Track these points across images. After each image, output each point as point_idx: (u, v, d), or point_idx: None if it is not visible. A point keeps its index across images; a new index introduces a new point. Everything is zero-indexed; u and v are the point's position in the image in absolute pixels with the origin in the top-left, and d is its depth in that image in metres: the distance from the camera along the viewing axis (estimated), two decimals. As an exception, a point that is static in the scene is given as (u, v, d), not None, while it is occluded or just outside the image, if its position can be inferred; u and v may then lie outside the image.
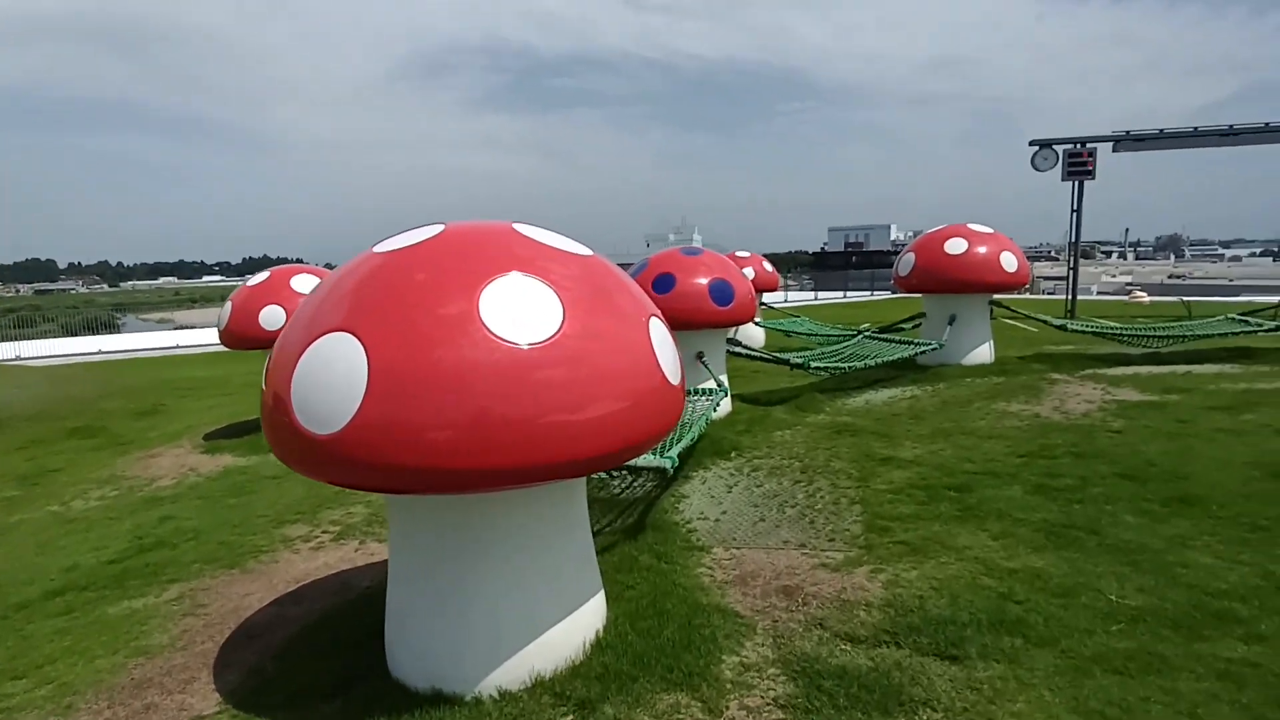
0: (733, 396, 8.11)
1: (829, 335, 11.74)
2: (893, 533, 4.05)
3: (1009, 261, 8.95)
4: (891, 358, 8.41)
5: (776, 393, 8.39)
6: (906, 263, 9.55)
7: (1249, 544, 3.57)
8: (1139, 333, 9.06)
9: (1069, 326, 8.95)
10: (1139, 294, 25.30)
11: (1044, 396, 7.26)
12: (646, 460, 3.88)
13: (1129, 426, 5.83)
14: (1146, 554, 3.53)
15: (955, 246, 9.11)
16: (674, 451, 4.16)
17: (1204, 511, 4.00)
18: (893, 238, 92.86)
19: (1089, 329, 9.12)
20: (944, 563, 3.64)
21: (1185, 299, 17.69)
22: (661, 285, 6.77)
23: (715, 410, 5.94)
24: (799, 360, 7.55)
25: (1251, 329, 8.67)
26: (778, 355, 7.87)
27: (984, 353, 9.37)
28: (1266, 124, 16.30)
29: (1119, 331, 9.13)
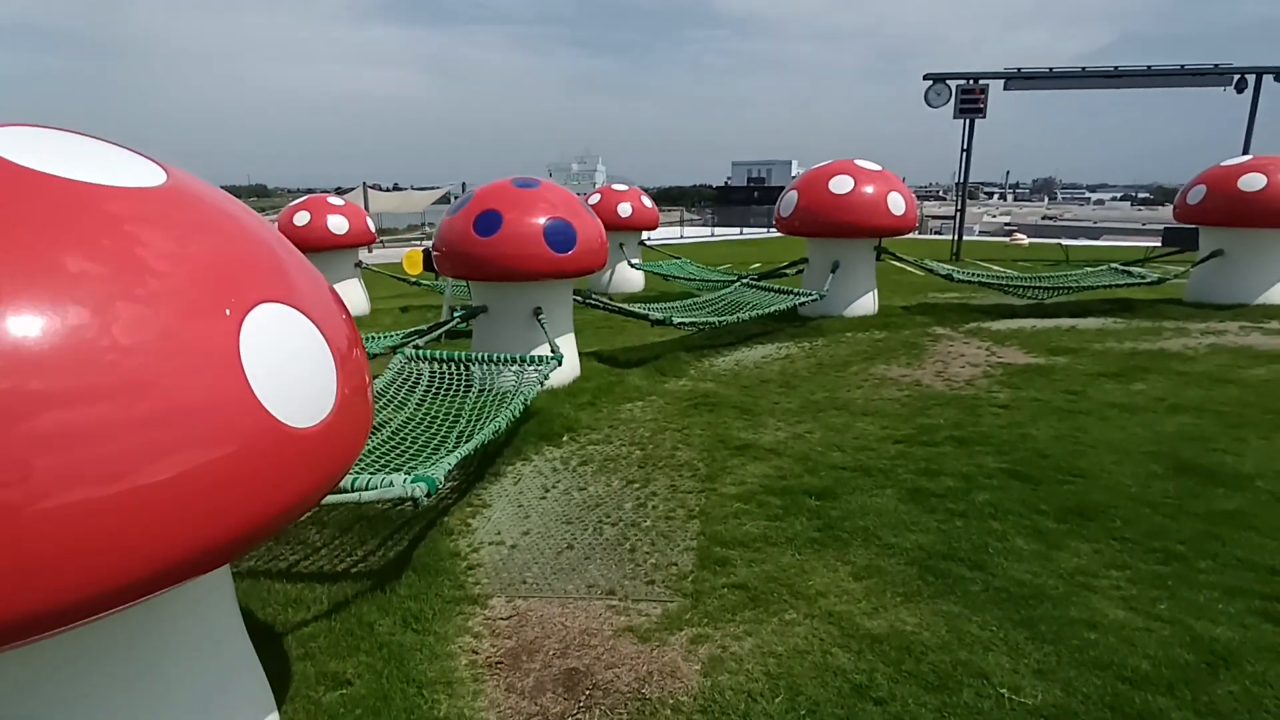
0: (586, 357, 6.99)
1: (709, 280, 10.76)
2: (731, 568, 3.07)
3: (896, 203, 8.12)
4: (767, 310, 7.49)
5: (638, 351, 7.32)
6: (789, 202, 8.57)
7: (1164, 584, 2.80)
8: (1024, 284, 8.53)
9: (955, 276, 8.31)
10: (1019, 236, 25.86)
11: (926, 358, 6.53)
12: (380, 492, 2.67)
13: (1016, 399, 5.12)
14: (1044, 604, 2.69)
15: (840, 185, 8.18)
16: (438, 469, 2.97)
17: (1106, 529, 3.23)
18: (794, 174, 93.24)
19: (975, 279, 8.51)
20: (789, 622, 2.68)
21: (1063, 242, 17.87)
22: (484, 225, 5.45)
23: (543, 384, 4.79)
24: (659, 315, 6.48)
25: (1134, 281, 8.28)
26: (635, 308, 6.76)
27: (867, 303, 8.62)
28: (1149, 67, 16.26)
29: (1004, 283, 8.56)
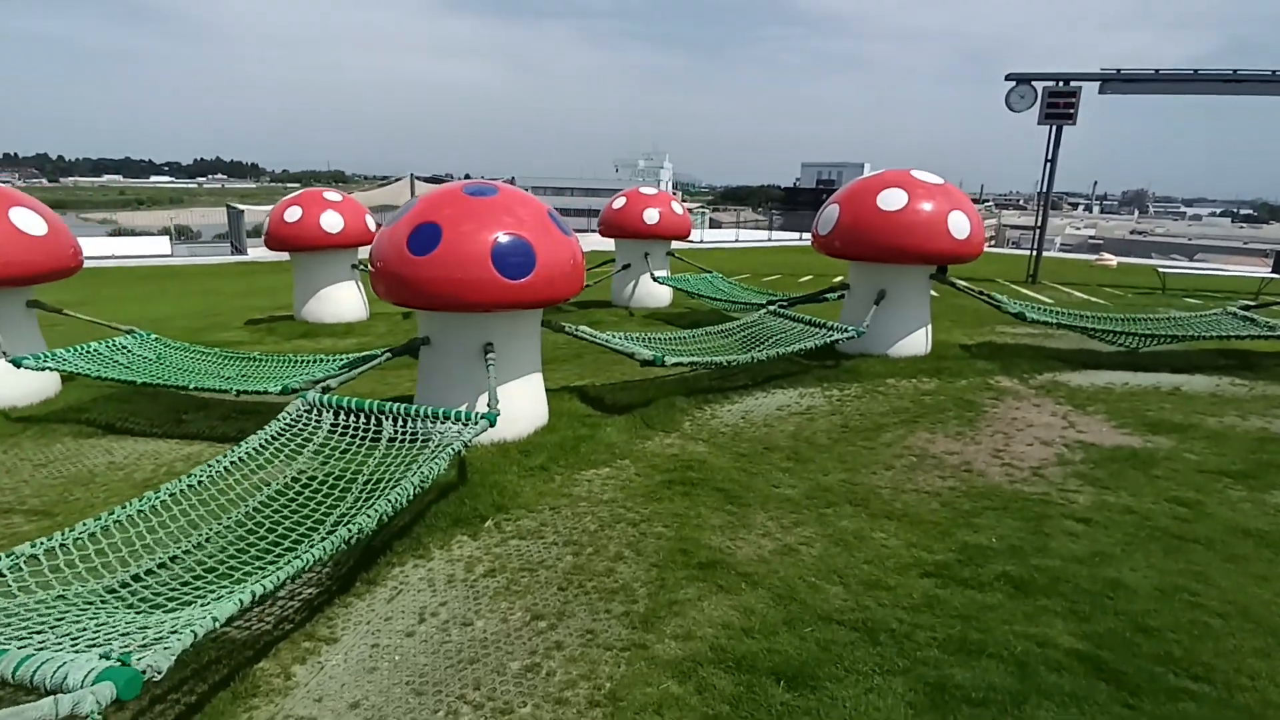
0: (564, 395, 5.88)
1: (736, 302, 9.50)
2: (616, 838, 1.90)
3: (959, 225, 6.71)
4: (791, 349, 6.21)
5: (628, 390, 6.15)
6: (828, 217, 7.24)
7: None
8: (1116, 329, 6.98)
9: (1027, 315, 6.83)
10: (1107, 258, 23.49)
11: (983, 425, 5.16)
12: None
13: (1101, 508, 3.75)
14: None
15: (892, 200, 6.81)
16: (156, 657, 1.87)
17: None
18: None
19: (1053, 320, 7.02)
20: None
21: (1160, 268, 15.80)
22: (420, 241, 4.37)
23: (463, 449, 3.69)
24: (647, 354, 5.30)
25: (1261, 333, 6.64)
26: (619, 343, 5.59)
27: (918, 341, 7.22)
28: (1274, 71, 14.10)
29: (1089, 327, 7.03)
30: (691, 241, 32.38)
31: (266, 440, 3.85)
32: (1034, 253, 16.21)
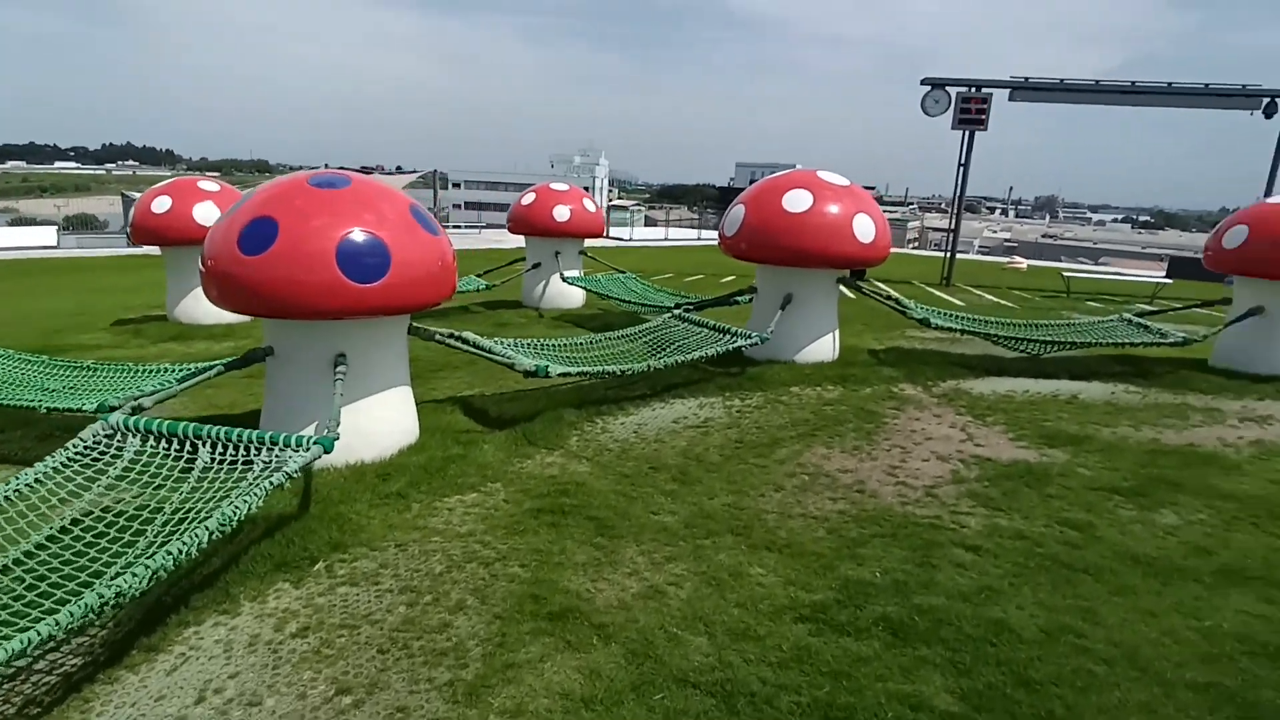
0: (445, 407, 5.40)
1: (647, 305, 9.16)
2: None
3: (864, 228, 6.51)
4: (694, 356, 5.88)
5: (518, 401, 5.71)
6: (734, 218, 6.96)
7: None
8: (1017, 336, 6.94)
9: (932, 322, 6.71)
10: (1017, 261, 24.34)
11: (882, 439, 4.93)
12: None
13: (992, 535, 3.52)
14: None
15: (796, 201, 6.57)
16: None
17: None
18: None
19: (957, 326, 6.92)
20: None
21: (1064, 272, 16.31)
22: (253, 239, 3.82)
23: (286, 482, 3.18)
24: (530, 364, 4.86)
25: (1153, 340, 6.70)
26: (502, 352, 5.13)
27: (825, 347, 7.01)
28: (1170, 84, 14.70)
29: (993, 334, 6.96)
30: (621, 239, 32.12)
31: (51, 470, 3.26)
32: (948, 255, 16.49)
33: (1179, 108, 15.03)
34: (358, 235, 3.91)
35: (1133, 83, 14.92)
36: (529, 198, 10.48)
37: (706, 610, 2.87)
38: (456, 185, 76.38)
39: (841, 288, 7.09)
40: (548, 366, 4.86)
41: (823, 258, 6.49)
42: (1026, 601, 2.92)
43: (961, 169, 15.82)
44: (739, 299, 7.91)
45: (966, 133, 15.62)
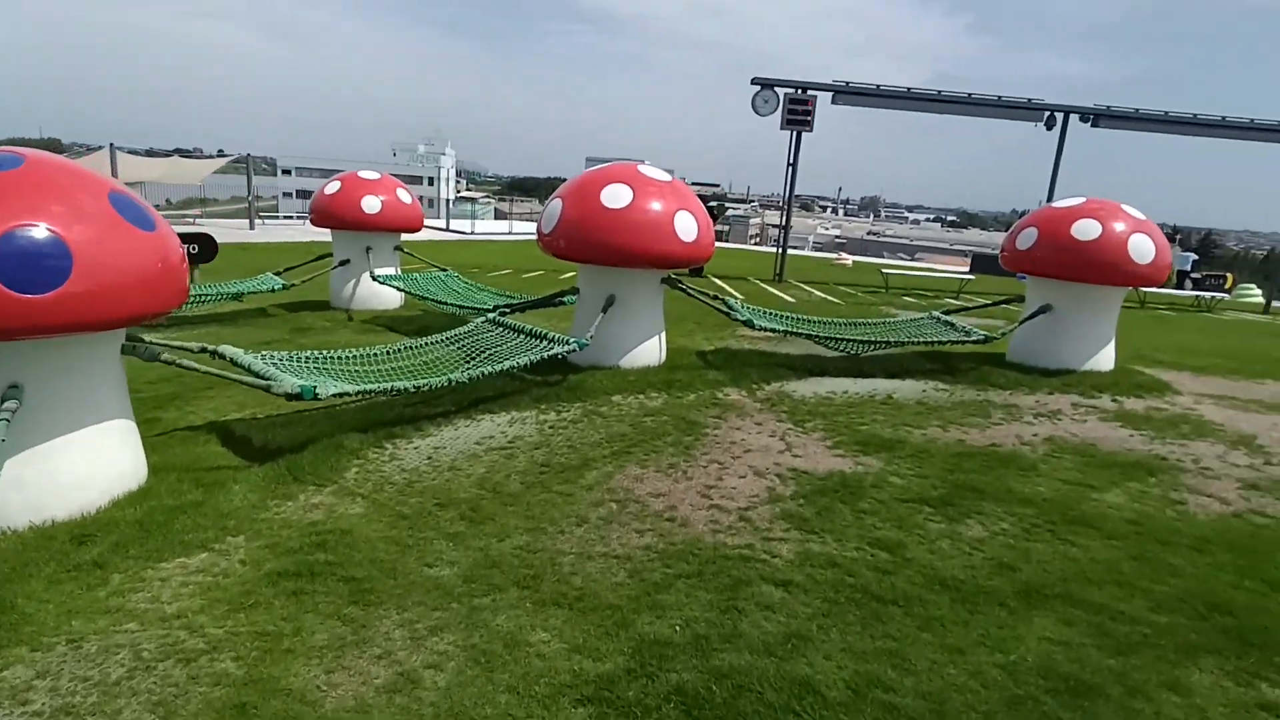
0: (199, 436, 4.47)
1: (465, 307, 8.43)
2: None
3: (686, 226, 6.21)
4: (505, 366, 5.29)
5: (293, 423, 4.87)
6: (551, 214, 6.44)
7: None
8: (837, 336, 6.95)
9: (755, 323, 6.57)
10: (844, 258, 25.77)
11: (700, 452, 4.62)
12: None
13: (802, 570, 3.22)
14: None
15: (616, 197, 6.15)
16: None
17: None
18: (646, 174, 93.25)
19: (780, 327, 6.82)
20: None
21: (883, 269, 17.28)
22: None
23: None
24: (291, 388, 4.07)
25: (958, 339, 6.94)
26: (264, 368, 4.29)
27: (651, 351, 6.68)
28: (969, 95, 15.90)
29: (814, 334, 6.94)
30: (463, 233, 30.68)
31: None
32: (779, 252, 16.96)
33: (977, 116, 16.33)
34: (26, 231, 2.98)
35: (939, 92, 16.01)
36: (333, 186, 9.38)
37: (467, 703, 2.33)
38: (287, 172, 69.79)
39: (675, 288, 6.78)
40: (314, 388, 4.09)
41: (644, 257, 6.12)
42: (835, 649, 2.63)
43: (790, 169, 16.30)
44: (564, 300, 7.41)
45: (794, 133, 16.09)
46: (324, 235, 11.59)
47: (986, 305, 8.90)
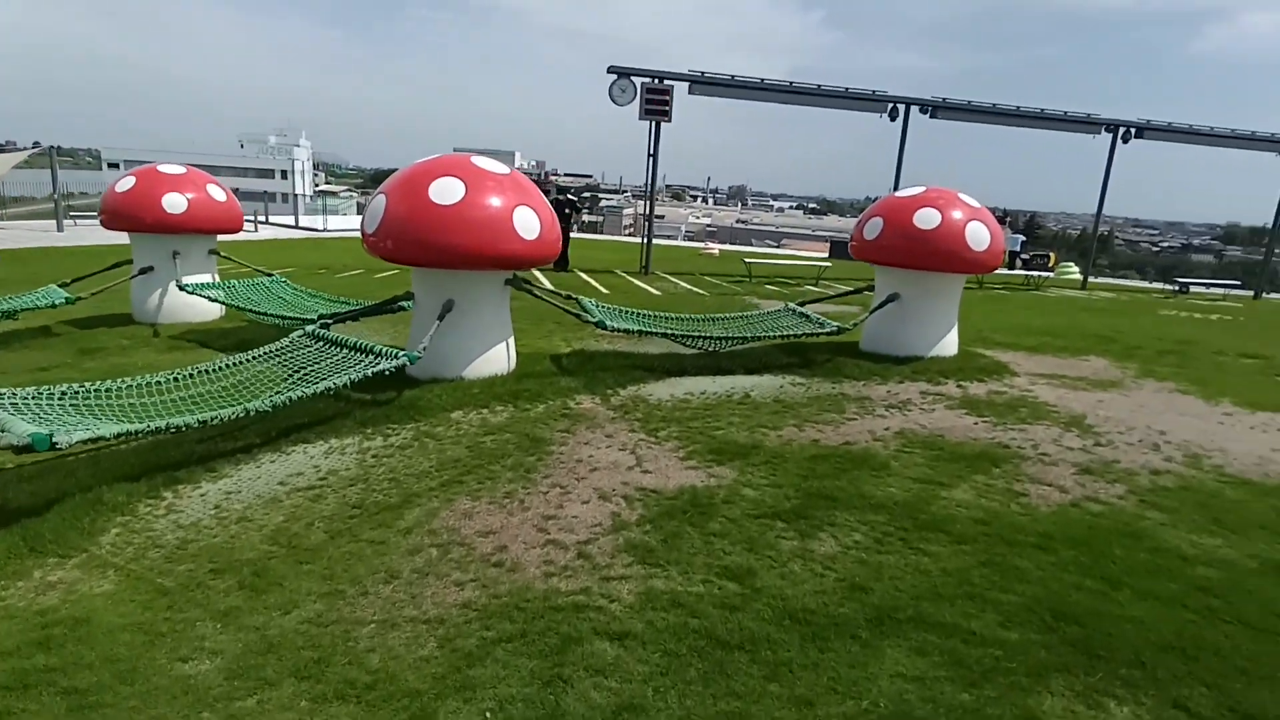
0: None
1: (290, 318, 7.54)
2: None
3: (527, 223, 5.72)
4: (314, 391, 4.61)
5: (50, 473, 3.99)
6: (375, 211, 5.75)
7: None
8: (693, 333, 6.71)
9: (608, 324, 6.20)
10: (711, 247, 26.11)
11: (542, 475, 4.18)
12: None
13: (642, 617, 2.85)
14: None
15: (446, 192, 5.57)
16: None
17: None
18: (517, 164, 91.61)
19: (635, 328, 6.49)
20: None
21: (745, 259, 17.49)
22: None
23: None
24: (20, 438, 3.26)
25: (813, 330, 6.88)
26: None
27: (499, 358, 6.15)
28: (819, 86, 16.30)
29: (670, 333, 6.66)
30: (314, 230, 28.49)
31: None
32: (644, 243, 16.77)
33: (827, 108, 16.79)
34: None
35: (790, 83, 16.32)
36: (126, 183, 8.14)
37: None
38: (114, 165, 61.99)
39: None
40: (50, 437, 3.30)
41: (480, 258, 5.58)
42: (673, 718, 2.27)
43: (651, 159, 16.11)
44: (403, 305, 6.73)
45: (653, 124, 15.90)
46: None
47: (846, 294, 9.00)
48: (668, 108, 15.59)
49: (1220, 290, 20.81)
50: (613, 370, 6.51)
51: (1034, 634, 2.73)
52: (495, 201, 5.65)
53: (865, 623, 2.78)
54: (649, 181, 16.64)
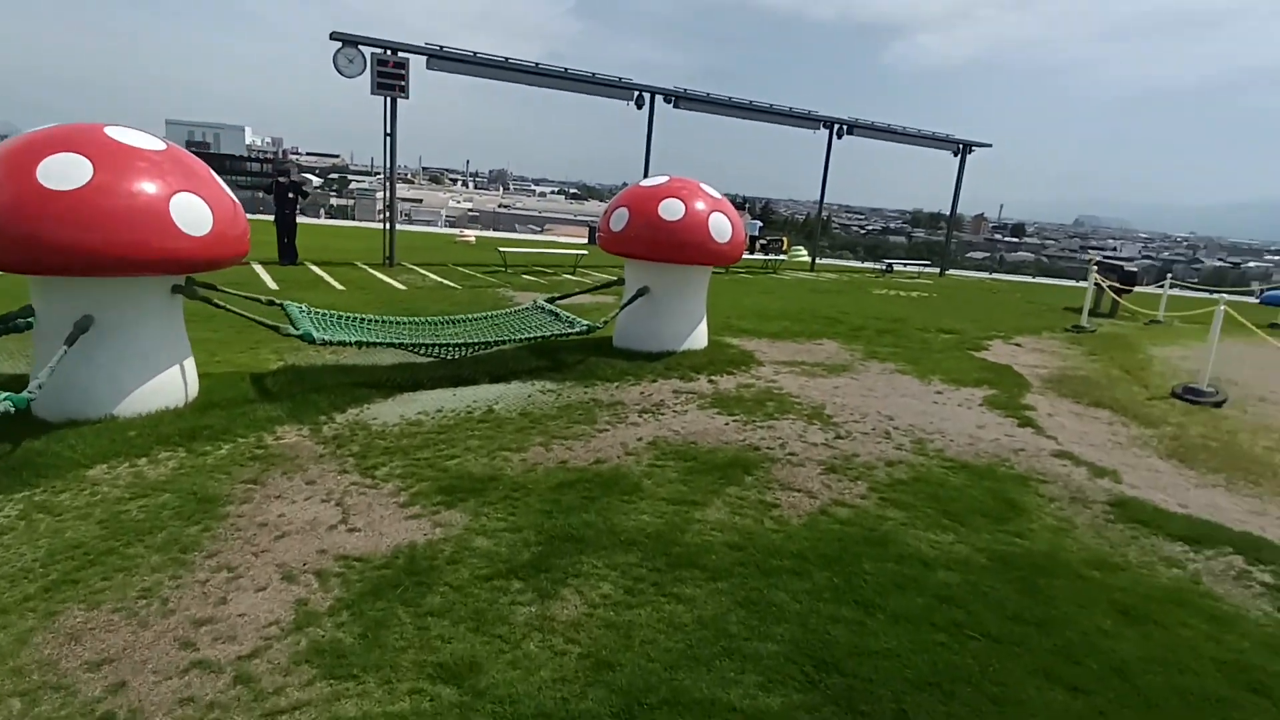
0: None
1: None
2: None
3: (192, 215, 4.48)
4: None
5: None
6: (-52, 200, 4.13)
7: None
8: (426, 341, 5.86)
9: (316, 338, 5.15)
10: (466, 234, 24.83)
11: (203, 558, 3.15)
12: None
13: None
14: None
15: (67, 175, 4.14)
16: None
17: None
18: (248, 141, 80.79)
19: (350, 339, 5.47)
20: None
21: (499, 248, 16.67)
22: None
23: None
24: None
25: (561, 331, 6.36)
26: None
27: (173, 386, 4.82)
28: (566, 70, 15.91)
29: (397, 340, 5.74)
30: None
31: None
32: (386, 229, 15.22)
33: (575, 92, 16.45)
34: None
35: (536, 64, 15.70)
36: None
37: None
38: None
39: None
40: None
41: (120, 261, 4.25)
42: None
43: (389, 139, 14.59)
44: (20, 323, 5.06)
45: (388, 99, 14.39)
46: None
47: (603, 286, 8.62)
48: (404, 82, 14.18)
49: (915, 269, 24.13)
50: (330, 390, 5.46)
51: (796, 693, 2.41)
52: (142, 187, 4.34)
53: (611, 718, 2.27)
54: (387, 163, 15.07)
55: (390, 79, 14.02)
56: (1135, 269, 15.76)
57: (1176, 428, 5.83)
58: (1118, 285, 13.65)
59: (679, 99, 17.41)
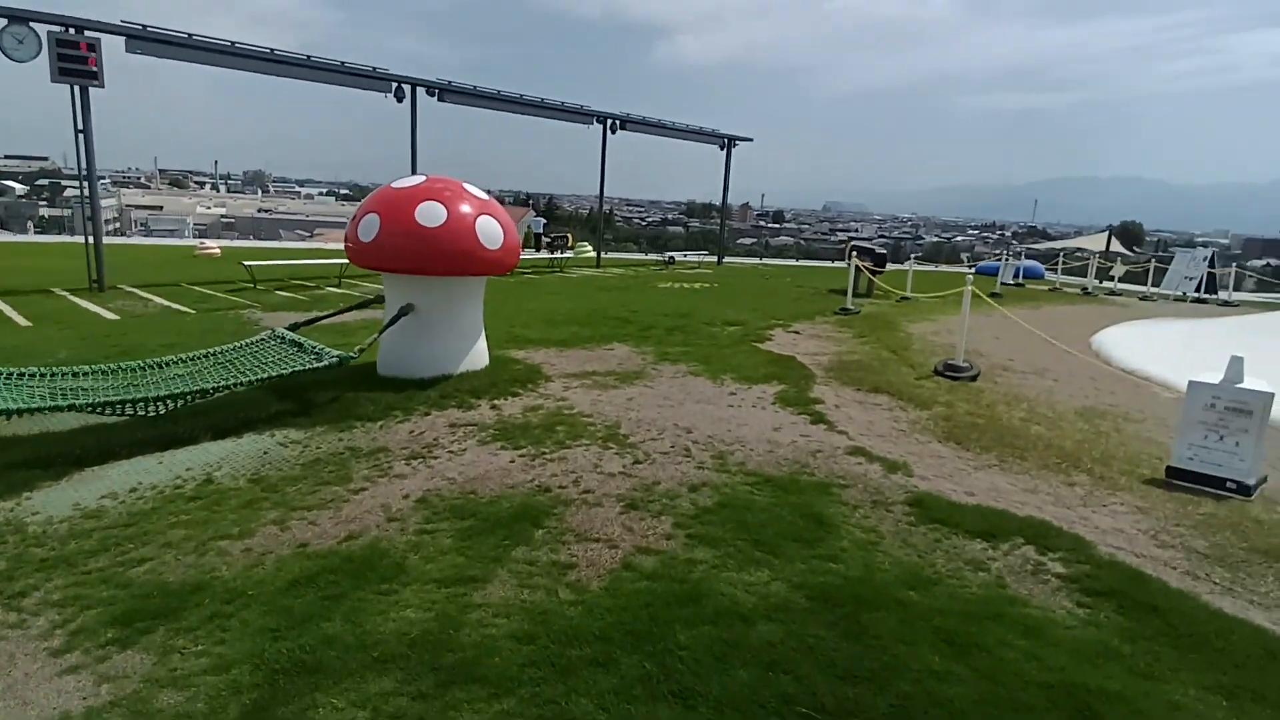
0: None
1: None
2: None
3: None
4: None
5: None
6: None
7: None
8: (121, 399, 4.50)
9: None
10: (208, 245, 21.54)
11: None
12: None
13: None
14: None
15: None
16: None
17: None
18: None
19: (12, 405, 4.01)
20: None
21: (245, 262, 14.45)
22: None
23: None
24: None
25: (306, 365, 5.27)
26: None
27: None
28: (309, 56, 14.15)
29: (80, 402, 4.33)
30: None
31: None
32: (89, 245, 12.49)
33: (322, 83, 14.68)
34: None
35: (272, 50, 13.74)
36: None
37: None
38: None
39: None
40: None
41: None
42: None
43: (80, 135, 11.94)
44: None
45: (77, 89, 11.77)
46: None
47: (353, 308, 7.46)
48: (95, 68, 11.66)
49: (695, 259, 24.97)
50: (26, 463, 3.99)
51: None
52: None
53: None
54: (81, 164, 12.34)
55: (74, 63, 11.46)
56: (884, 251, 17.39)
57: (946, 407, 6.13)
58: (871, 267, 14.89)
59: (443, 91, 16.25)
